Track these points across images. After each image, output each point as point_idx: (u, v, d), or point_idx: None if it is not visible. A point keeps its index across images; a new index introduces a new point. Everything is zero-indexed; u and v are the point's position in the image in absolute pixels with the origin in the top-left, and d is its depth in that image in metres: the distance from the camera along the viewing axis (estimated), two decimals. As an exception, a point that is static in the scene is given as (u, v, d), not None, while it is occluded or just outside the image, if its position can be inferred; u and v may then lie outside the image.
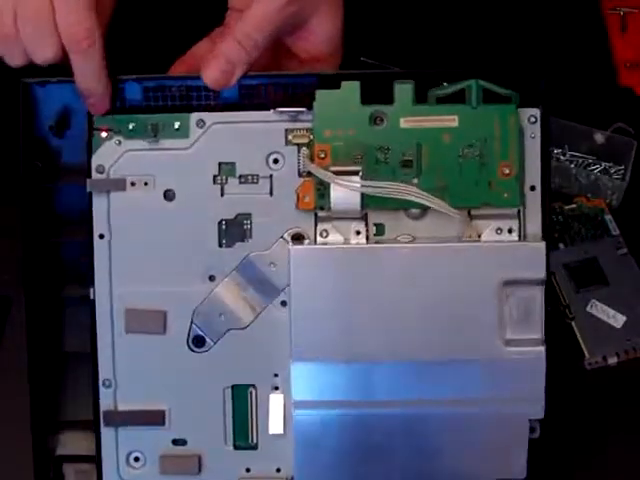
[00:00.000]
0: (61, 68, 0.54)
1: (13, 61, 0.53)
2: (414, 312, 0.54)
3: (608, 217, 0.72)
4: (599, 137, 0.72)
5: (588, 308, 0.69)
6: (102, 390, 0.57)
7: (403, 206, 0.55)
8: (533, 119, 0.55)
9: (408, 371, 0.54)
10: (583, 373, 0.68)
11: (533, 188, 0.56)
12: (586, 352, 0.68)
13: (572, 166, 0.73)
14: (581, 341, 0.68)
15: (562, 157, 0.73)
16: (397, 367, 0.54)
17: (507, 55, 0.71)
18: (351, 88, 0.54)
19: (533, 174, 0.56)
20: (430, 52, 0.70)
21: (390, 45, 0.71)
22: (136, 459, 0.58)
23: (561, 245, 0.71)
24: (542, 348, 0.54)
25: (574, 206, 0.72)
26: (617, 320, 0.69)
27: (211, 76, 0.54)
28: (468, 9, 0.74)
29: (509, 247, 0.54)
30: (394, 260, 0.54)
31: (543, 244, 0.54)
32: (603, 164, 0.73)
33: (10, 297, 0.68)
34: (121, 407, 0.57)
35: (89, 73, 0.53)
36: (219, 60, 0.54)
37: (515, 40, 0.73)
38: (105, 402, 0.57)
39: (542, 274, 0.54)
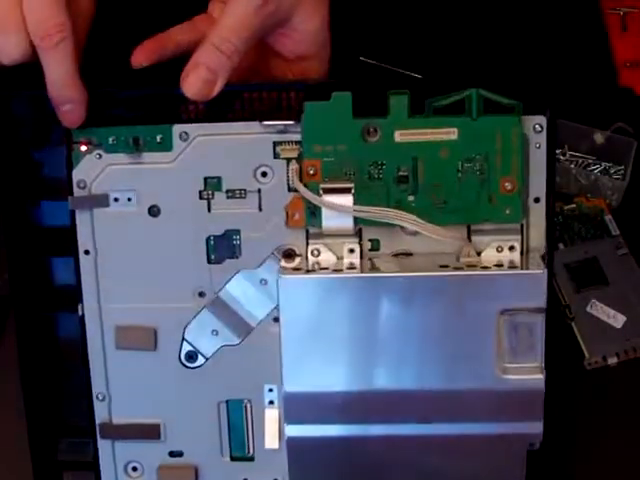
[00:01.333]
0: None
1: None
2: (409, 340, 0.44)
3: (608, 217, 0.63)
4: (599, 137, 0.63)
5: (588, 308, 0.60)
6: (97, 403, 0.49)
7: (397, 225, 0.44)
8: (539, 127, 0.45)
9: (403, 399, 0.44)
10: (583, 373, 0.60)
11: (537, 200, 0.46)
12: (586, 352, 0.60)
13: (572, 166, 0.63)
14: (581, 341, 0.60)
15: (562, 157, 0.63)
16: (392, 395, 0.44)
17: (507, 57, 0.61)
18: (342, 100, 0.43)
19: (537, 186, 0.45)
20: (429, 52, 0.61)
21: (390, 48, 0.60)
22: (134, 469, 0.50)
23: (561, 245, 0.62)
24: (541, 376, 0.45)
25: (574, 206, 0.63)
26: (617, 320, 0.60)
27: (193, 87, 0.43)
28: (467, 10, 0.63)
29: (508, 276, 0.44)
30: (388, 289, 0.44)
31: (544, 272, 0.44)
32: (603, 164, 0.64)
33: (10, 297, 0.59)
34: (116, 420, 0.49)
35: (61, 74, 0.42)
36: (199, 69, 0.43)
37: (514, 41, 0.63)
38: (100, 415, 0.49)
39: (542, 303, 0.44)
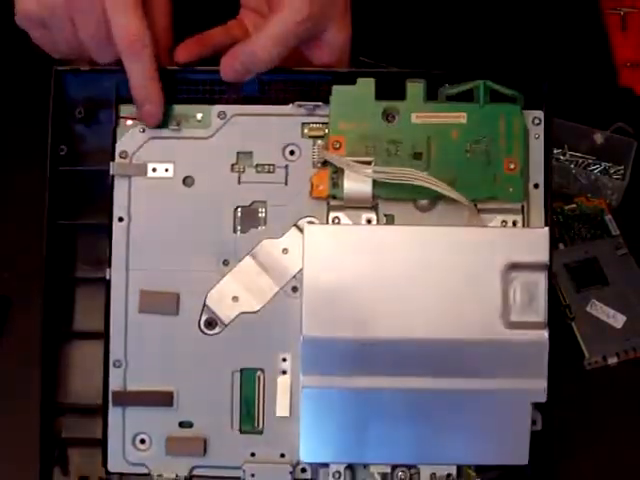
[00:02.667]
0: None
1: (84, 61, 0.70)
2: (421, 292, 0.68)
3: (608, 217, 0.84)
4: (599, 137, 0.84)
5: (588, 308, 0.81)
6: (112, 370, 0.70)
7: (413, 196, 0.70)
8: (537, 121, 0.71)
9: (415, 349, 0.67)
10: (583, 373, 0.79)
11: (537, 186, 0.70)
12: (586, 352, 0.80)
13: (572, 166, 0.85)
14: (581, 341, 0.80)
15: (562, 157, 0.85)
16: (404, 344, 0.68)
17: (508, 55, 0.84)
18: (366, 84, 0.70)
19: (537, 172, 0.70)
20: (432, 56, 0.83)
21: (395, 48, 0.84)
22: (142, 441, 0.70)
23: (561, 245, 0.83)
24: (545, 331, 0.68)
25: (574, 206, 0.84)
26: (617, 320, 0.81)
27: (225, 73, 0.69)
28: (469, 12, 0.87)
29: (514, 231, 0.69)
30: (403, 241, 0.68)
31: (546, 229, 0.68)
32: (603, 164, 0.85)
33: (9, 297, 0.82)
34: (130, 387, 0.70)
35: (141, 78, 0.67)
36: (235, 63, 0.69)
37: (516, 40, 0.85)
38: (115, 382, 0.70)
39: (545, 258, 0.68)
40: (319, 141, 0.71)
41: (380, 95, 0.70)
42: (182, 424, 0.71)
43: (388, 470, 0.70)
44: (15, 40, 0.71)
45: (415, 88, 0.70)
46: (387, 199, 0.70)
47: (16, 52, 0.79)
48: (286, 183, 0.72)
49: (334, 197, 0.70)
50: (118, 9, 0.65)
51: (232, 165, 0.72)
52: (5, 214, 0.82)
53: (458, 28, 0.86)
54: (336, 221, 0.71)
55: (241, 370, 0.71)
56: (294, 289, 0.71)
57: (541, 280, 0.69)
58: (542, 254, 0.68)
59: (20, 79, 0.84)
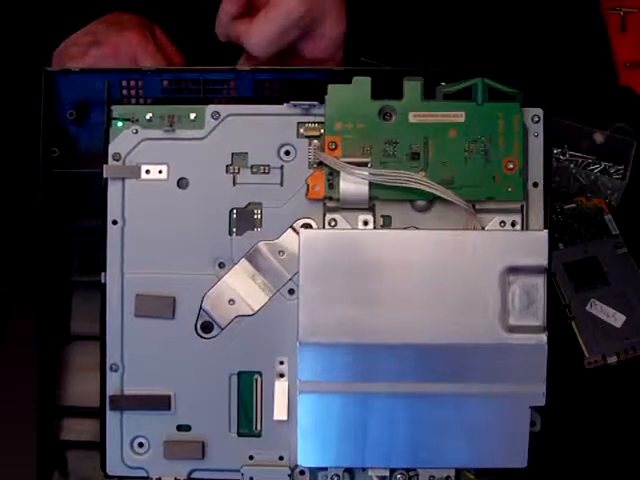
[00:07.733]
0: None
1: None
2: (419, 296, 0.63)
3: (608, 217, 0.81)
4: (599, 137, 0.81)
5: (588, 308, 0.78)
6: (109, 374, 0.67)
7: (410, 197, 0.65)
8: (536, 118, 0.66)
9: (412, 354, 0.64)
10: (583, 372, 0.76)
11: (536, 185, 0.66)
12: (586, 352, 0.77)
13: (572, 166, 0.82)
14: (581, 341, 0.77)
15: (562, 157, 0.82)
16: (401, 349, 0.64)
17: (507, 54, 0.81)
18: (362, 83, 0.64)
19: (536, 171, 0.66)
20: (430, 54, 0.80)
21: (393, 47, 0.80)
22: (140, 445, 0.67)
23: (561, 245, 0.80)
24: (544, 335, 0.64)
25: (574, 206, 0.81)
26: (617, 320, 0.78)
27: None
28: (468, 10, 0.83)
29: (512, 234, 0.64)
30: (400, 245, 0.64)
31: (545, 232, 0.64)
32: (603, 164, 0.82)
33: (11, 296, 0.78)
34: (127, 391, 0.67)
35: None
36: None
37: (516, 40, 0.82)
38: (112, 386, 0.67)
39: (544, 261, 0.63)
40: (315, 141, 0.66)
41: (376, 94, 0.65)
42: (180, 427, 0.67)
43: (387, 473, 0.66)
44: (4, 41, 0.67)
45: (412, 87, 0.65)
46: (384, 200, 0.66)
47: (5, 53, 0.75)
48: (282, 184, 0.67)
49: (330, 198, 0.65)
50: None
51: (227, 166, 0.67)
52: (5, 215, 0.79)
53: (457, 26, 0.83)
54: (332, 223, 0.66)
55: (238, 373, 0.67)
56: (291, 291, 0.67)
57: (540, 283, 0.64)
58: (541, 257, 0.64)
59: (10, 80, 0.80)
